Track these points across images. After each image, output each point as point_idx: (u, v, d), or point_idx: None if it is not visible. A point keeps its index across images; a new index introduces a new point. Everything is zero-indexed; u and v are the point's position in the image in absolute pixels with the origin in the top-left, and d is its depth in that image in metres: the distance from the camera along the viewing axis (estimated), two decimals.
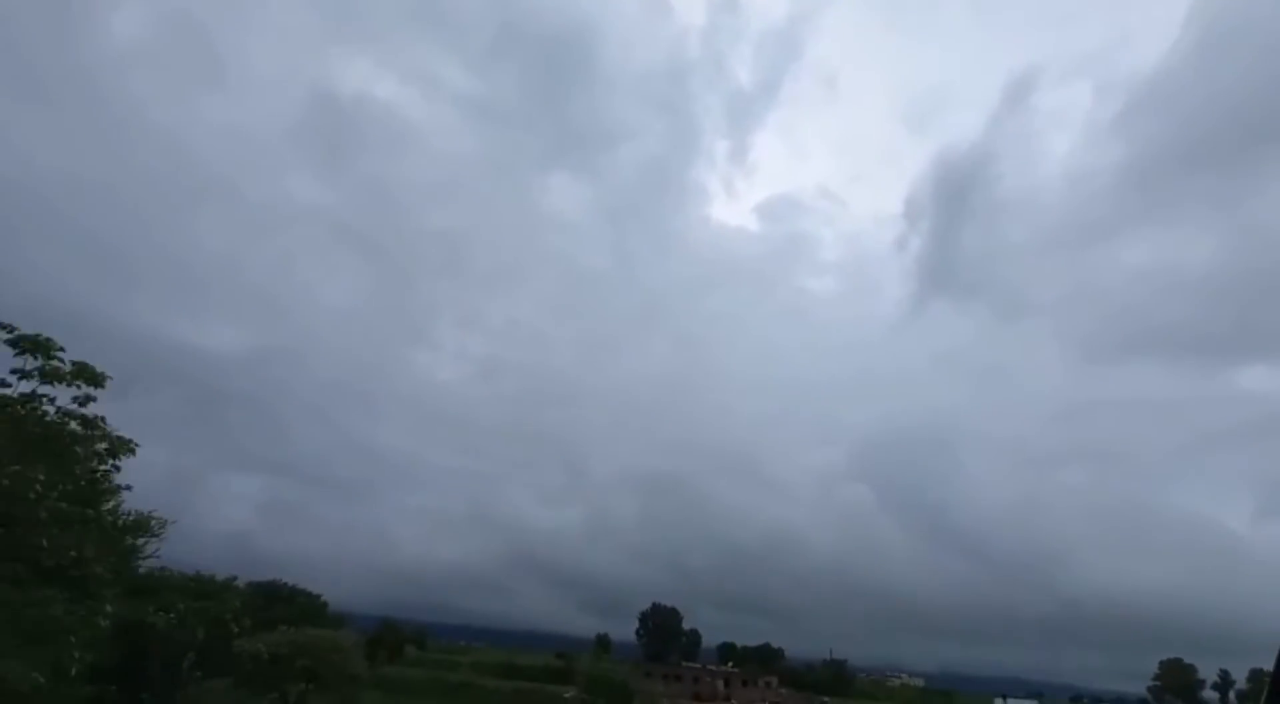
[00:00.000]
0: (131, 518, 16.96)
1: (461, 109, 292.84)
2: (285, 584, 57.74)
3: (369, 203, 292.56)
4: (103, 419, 10.43)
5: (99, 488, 15.21)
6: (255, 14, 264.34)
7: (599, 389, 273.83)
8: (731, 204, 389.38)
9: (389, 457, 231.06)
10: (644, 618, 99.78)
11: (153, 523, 16.78)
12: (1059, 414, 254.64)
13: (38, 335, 9.65)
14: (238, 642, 21.40)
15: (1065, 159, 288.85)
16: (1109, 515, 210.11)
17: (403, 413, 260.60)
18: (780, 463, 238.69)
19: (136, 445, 11.06)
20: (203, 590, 24.73)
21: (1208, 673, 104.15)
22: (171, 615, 16.78)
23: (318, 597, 59.12)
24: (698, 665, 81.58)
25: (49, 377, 9.61)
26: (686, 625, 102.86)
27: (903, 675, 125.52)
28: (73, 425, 10.18)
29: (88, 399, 10.22)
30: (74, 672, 9.43)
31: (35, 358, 9.61)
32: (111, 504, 16.96)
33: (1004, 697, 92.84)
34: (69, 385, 9.90)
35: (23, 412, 9.64)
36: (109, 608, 9.39)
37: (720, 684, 70.24)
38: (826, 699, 72.77)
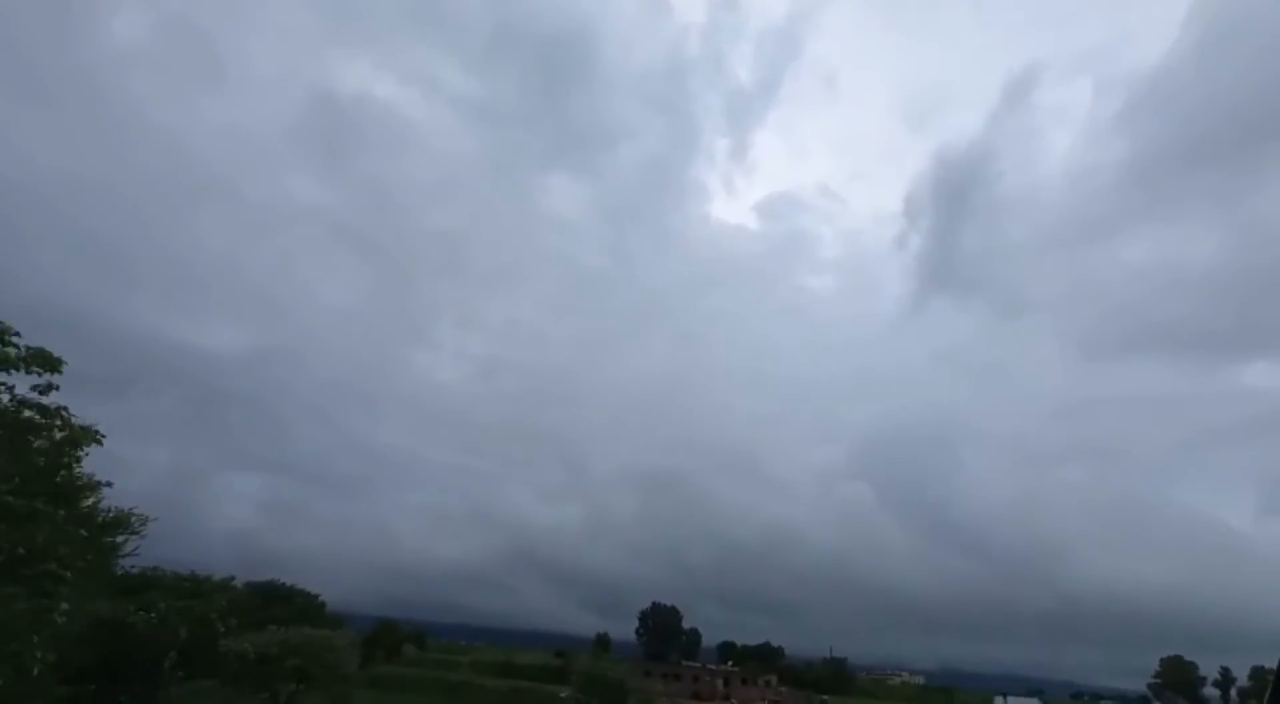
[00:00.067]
0: (111, 515, 16.58)
1: (461, 109, 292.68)
2: (283, 584, 57.43)
3: (369, 203, 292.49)
4: (65, 409, 10.01)
5: (75, 483, 14.82)
6: (255, 14, 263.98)
7: (599, 388, 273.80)
8: (731, 202, 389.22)
9: (389, 456, 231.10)
10: (644, 617, 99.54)
11: (133, 520, 16.39)
12: (1059, 411, 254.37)
13: None
14: (224, 641, 20.99)
15: (1065, 157, 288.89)
16: (1109, 513, 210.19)
17: (403, 412, 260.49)
18: (780, 461, 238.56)
19: (102, 436, 10.64)
20: (192, 590, 24.38)
21: (1209, 670, 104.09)
22: (153, 615, 16.39)
23: (315, 596, 58.86)
24: (697, 664, 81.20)
25: (1, 363, 9.19)
26: (686, 624, 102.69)
27: (903, 673, 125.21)
28: (29, 414, 9.75)
29: (49, 387, 9.80)
30: (35, 671, 9.02)
31: None
32: (92, 501, 16.61)
33: (1004, 694, 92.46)
34: (26, 372, 9.48)
35: None
36: (64, 605, 8.97)
37: (720, 683, 69.88)
38: (826, 698, 72.41)
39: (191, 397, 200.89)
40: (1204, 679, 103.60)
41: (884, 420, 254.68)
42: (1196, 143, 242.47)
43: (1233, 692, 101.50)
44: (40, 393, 9.92)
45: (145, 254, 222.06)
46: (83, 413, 11.17)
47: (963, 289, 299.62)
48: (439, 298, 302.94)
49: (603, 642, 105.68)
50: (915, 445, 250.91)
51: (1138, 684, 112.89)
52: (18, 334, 9.36)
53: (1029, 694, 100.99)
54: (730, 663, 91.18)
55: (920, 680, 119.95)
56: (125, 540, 16.26)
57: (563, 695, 42.38)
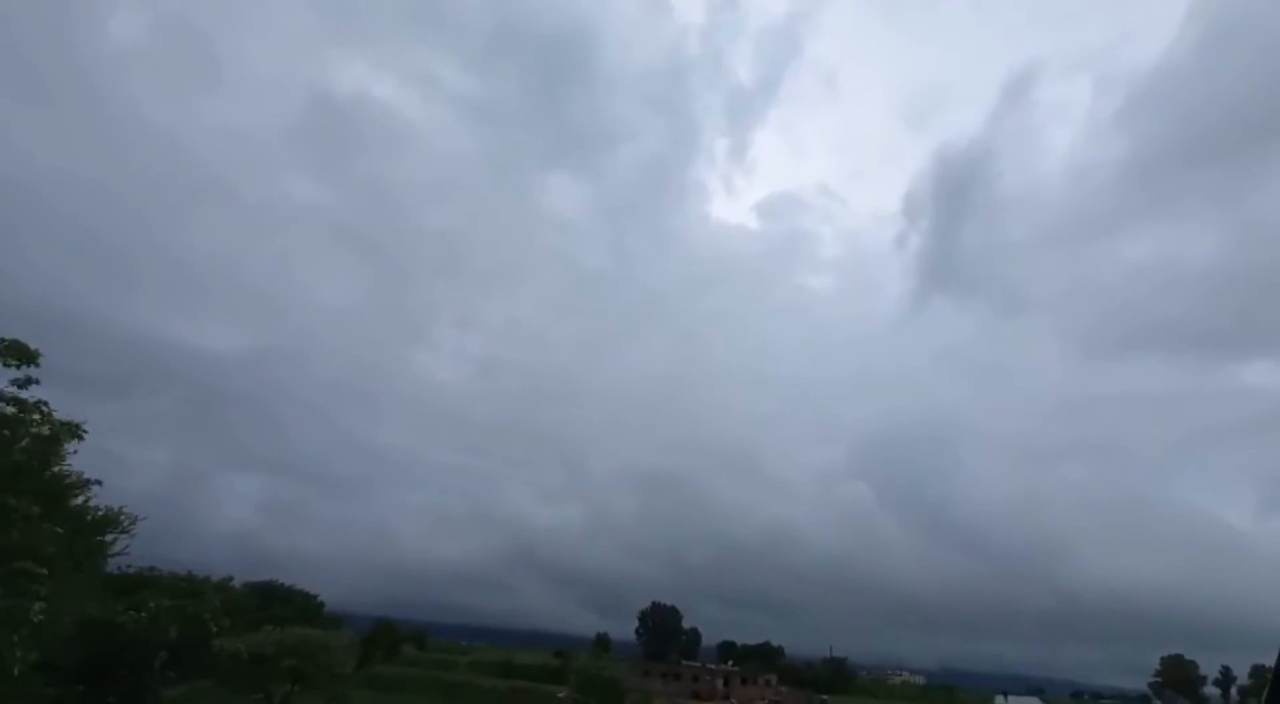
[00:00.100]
0: (100, 513, 16.40)
1: (460, 109, 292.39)
2: (282, 584, 57.35)
3: (367, 203, 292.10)
4: (44, 403, 9.83)
5: (62, 481, 14.64)
6: (253, 15, 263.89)
7: (598, 388, 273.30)
8: (731, 202, 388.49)
9: (389, 456, 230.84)
10: (644, 617, 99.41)
11: (122, 519, 16.22)
12: (1059, 410, 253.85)
13: None
14: (217, 641, 20.80)
15: (1065, 155, 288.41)
16: (1109, 511, 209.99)
17: (402, 412, 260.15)
18: (780, 460, 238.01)
19: (84, 431, 10.46)
20: (189, 590, 24.17)
21: (1209, 669, 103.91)
22: (142, 614, 16.20)
23: (314, 596, 58.75)
24: (697, 664, 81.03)
25: None
26: (686, 624, 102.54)
27: (903, 672, 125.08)
28: (8, 410, 9.57)
29: (28, 381, 9.62)
30: (16, 671, 8.84)
31: None
32: (81, 499, 16.43)
33: (1005, 693, 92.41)
34: (4, 365, 9.30)
35: None
36: (40, 604, 8.79)
37: (719, 683, 69.74)
38: (826, 697, 72.25)
39: (191, 397, 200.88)
40: (1204, 678, 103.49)
41: (884, 420, 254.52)
42: (1196, 141, 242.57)
43: (1233, 690, 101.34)
44: (19, 387, 9.74)
45: (144, 254, 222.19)
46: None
47: (963, 288, 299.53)
48: (438, 298, 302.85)
49: (603, 641, 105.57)
50: (915, 445, 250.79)
51: (1138, 683, 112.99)
52: None
53: (1029, 693, 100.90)
54: (730, 662, 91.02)
55: (920, 679, 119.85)
56: (114, 539, 16.08)
57: (560, 695, 42.22)
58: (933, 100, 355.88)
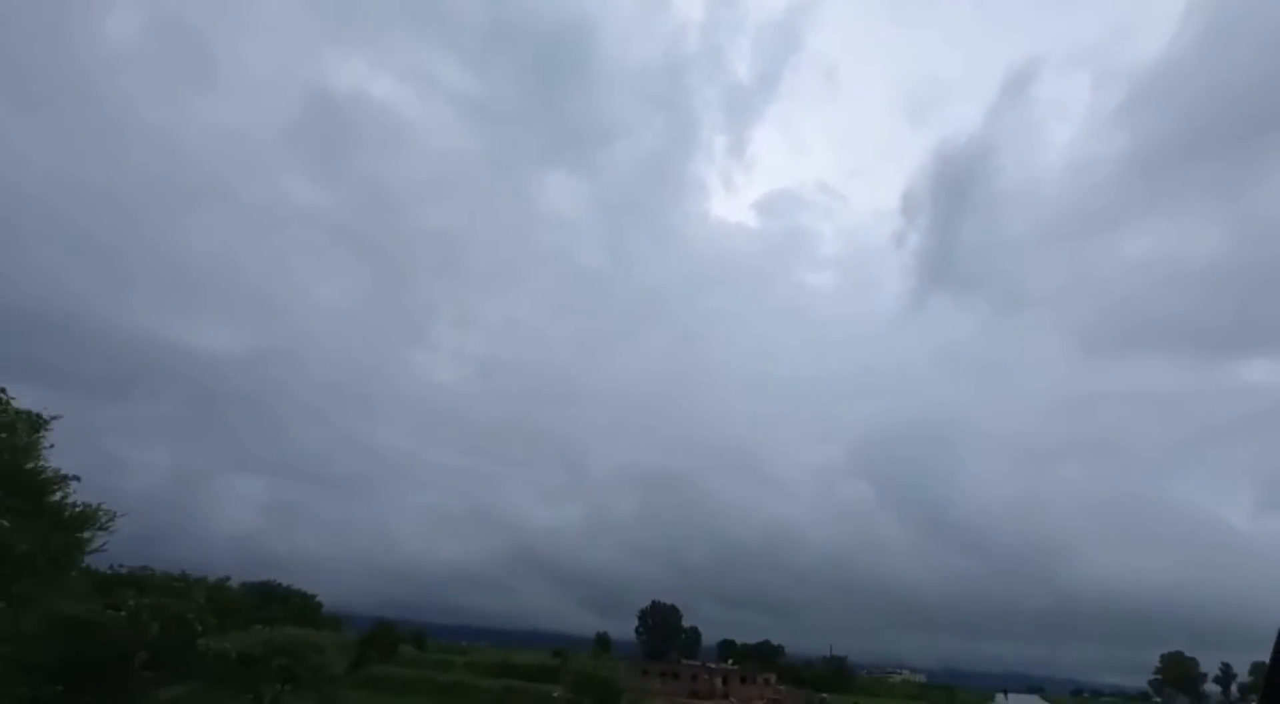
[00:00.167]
0: (78, 510, 16.10)
1: (457, 107, 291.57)
2: (280, 584, 57.15)
3: (365, 203, 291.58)
4: (3, 390, 9.50)
5: (37, 477, 14.30)
6: (249, 14, 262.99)
7: (598, 387, 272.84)
8: (730, 200, 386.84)
9: (388, 456, 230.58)
10: (643, 616, 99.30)
11: (100, 515, 15.92)
12: (1059, 408, 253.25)
13: None
14: (202, 641, 20.44)
15: (1065, 150, 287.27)
16: (1109, 509, 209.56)
17: (402, 413, 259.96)
18: (780, 459, 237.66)
19: (48, 421, 10.13)
20: (181, 590, 23.82)
21: (1209, 666, 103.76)
22: (122, 612, 15.90)
23: (312, 597, 58.53)
24: (696, 663, 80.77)
25: None
26: (686, 623, 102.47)
27: (903, 671, 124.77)
28: None
29: None
30: None
31: None
32: (59, 496, 16.10)
33: (1005, 691, 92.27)
34: None
35: None
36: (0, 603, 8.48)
37: (719, 682, 69.44)
38: (826, 696, 71.93)
39: (190, 398, 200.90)
40: (1204, 675, 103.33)
41: (884, 418, 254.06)
42: (1197, 136, 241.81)
43: (1233, 687, 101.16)
44: None
45: (141, 255, 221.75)
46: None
47: (962, 285, 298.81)
48: (437, 297, 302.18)
49: (602, 641, 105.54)
50: (915, 443, 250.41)
51: (1138, 681, 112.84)
52: None
53: (1030, 692, 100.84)
54: (730, 661, 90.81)
55: (921, 678, 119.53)
56: (92, 536, 15.77)
57: (555, 695, 41.91)
58: (932, 96, 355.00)
